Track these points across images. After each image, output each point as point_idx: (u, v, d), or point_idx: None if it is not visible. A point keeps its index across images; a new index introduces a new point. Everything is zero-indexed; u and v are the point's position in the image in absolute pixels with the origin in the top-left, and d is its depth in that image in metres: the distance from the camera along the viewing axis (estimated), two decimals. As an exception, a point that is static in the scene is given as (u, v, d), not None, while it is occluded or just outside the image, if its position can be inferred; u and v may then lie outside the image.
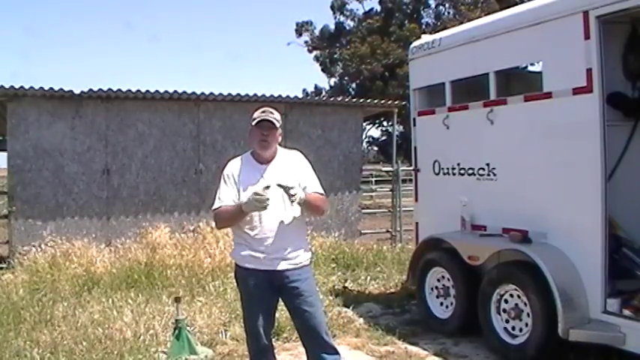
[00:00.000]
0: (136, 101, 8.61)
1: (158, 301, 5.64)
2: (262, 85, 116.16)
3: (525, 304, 4.14)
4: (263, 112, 3.17)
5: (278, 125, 3.17)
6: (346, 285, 6.69)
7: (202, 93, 8.90)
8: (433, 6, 30.28)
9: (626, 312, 3.78)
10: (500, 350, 4.32)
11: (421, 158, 5.70)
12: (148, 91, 8.58)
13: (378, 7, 30.09)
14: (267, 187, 2.98)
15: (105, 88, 8.32)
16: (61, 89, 8.07)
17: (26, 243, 7.70)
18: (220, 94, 9.01)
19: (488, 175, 4.81)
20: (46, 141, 8.07)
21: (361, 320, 5.32)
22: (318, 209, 3.24)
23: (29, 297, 5.84)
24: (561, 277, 3.91)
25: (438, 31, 6.92)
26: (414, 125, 5.83)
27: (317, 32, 31.65)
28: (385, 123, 28.59)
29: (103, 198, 8.39)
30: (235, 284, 3.44)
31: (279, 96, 9.43)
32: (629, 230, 4.22)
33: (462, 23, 8.78)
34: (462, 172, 5.09)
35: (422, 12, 30.38)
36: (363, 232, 10.25)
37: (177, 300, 4.55)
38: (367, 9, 30.96)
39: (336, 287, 6.54)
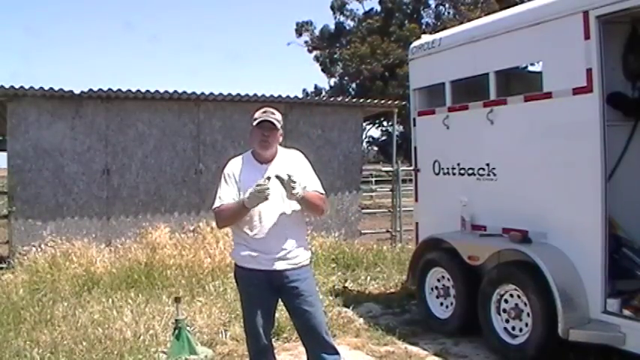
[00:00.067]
0: (136, 101, 8.61)
1: (158, 301, 5.64)
2: (262, 85, 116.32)
3: (525, 304, 4.14)
4: (264, 112, 3.17)
5: (279, 126, 3.17)
6: (346, 285, 6.69)
7: (202, 93, 8.90)
8: (433, 6, 30.35)
9: (626, 312, 3.78)
10: (500, 350, 4.32)
11: (421, 158, 5.70)
12: (148, 91, 8.58)
13: (378, 7, 30.12)
14: (268, 179, 3.00)
15: (105, 88, 8.32)
16: (61, 89, 8.07)
17: (26, 243, 7.71)
18: (220, 94, 9.01)
19: (488, 175, 4.81)
20: (46, 141, 8.06)
21: (361, 320, 5.32)
22: (317, 208, 3.24)
23: (29, 297, 5.85)
24: (561, 277, 3.91)
25: (438, 31, 6.91)
26: (414, 125, 5.83)
27: (317, 32, 31.68)
28: (385, 123, 28.61)
29: (103, 198, 8.39)
30: (235, 284, 3.44)
31: (279, 96, 9.43)
32: (629, 230, 4.22)
33: (461, 23, 8.76)
34: (462, 172, 5.09)
35: (422, 12, 30.40)
36: (363, 232, 10.25)
37: (177, 300, 4.55)
38: (367, 9, 31.05)
39: (336, 287, 6.54)
